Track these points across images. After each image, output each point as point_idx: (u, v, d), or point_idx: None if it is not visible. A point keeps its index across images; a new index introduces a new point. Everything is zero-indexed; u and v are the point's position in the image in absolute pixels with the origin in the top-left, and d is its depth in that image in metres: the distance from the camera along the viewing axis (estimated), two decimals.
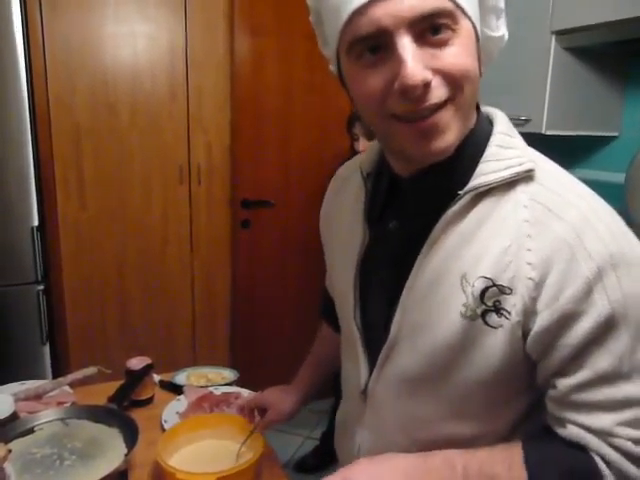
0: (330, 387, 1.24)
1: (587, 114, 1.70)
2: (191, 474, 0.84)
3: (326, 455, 2.21)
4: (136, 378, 1.16)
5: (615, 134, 1.77)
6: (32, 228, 1.97)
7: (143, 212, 2.34)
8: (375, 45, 0.55)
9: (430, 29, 0.54)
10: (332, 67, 0.68)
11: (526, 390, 0.66)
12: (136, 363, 1.19)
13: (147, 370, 1.19)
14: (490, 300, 0.60)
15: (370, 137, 1.87)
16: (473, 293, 0.60)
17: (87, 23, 2.11)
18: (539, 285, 0.57)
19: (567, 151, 1.88)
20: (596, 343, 0.57)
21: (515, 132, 0.67)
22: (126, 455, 0.88)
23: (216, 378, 1.35)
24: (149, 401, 1.21)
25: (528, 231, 0.59)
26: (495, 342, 0.60)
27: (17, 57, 1.87)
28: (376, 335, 0.71)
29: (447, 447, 0.64)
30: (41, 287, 2.04)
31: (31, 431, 0.94)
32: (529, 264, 0.58)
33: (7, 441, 0.89)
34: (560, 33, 1.56)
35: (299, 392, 1.01)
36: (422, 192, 0.67)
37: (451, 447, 0.64)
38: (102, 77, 2.17)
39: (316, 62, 2.25)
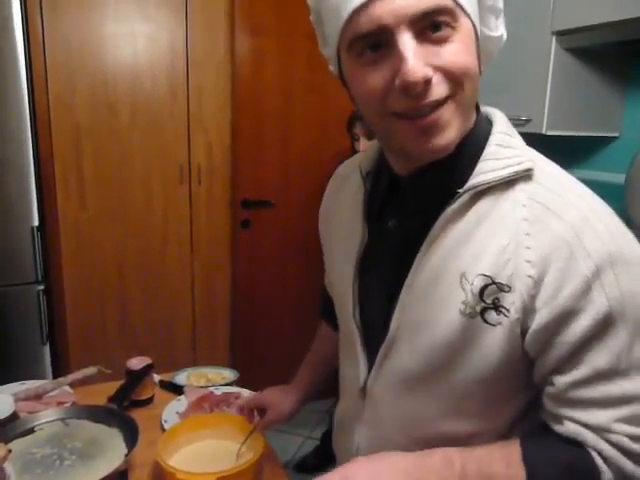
0: (331, 387, 1.23)
1: (587, 115, 1.70)
2: (191, 474, 0.84)
3: (327, 455, 2.21)
4: (136, 378, 1.16)
5: (615, 135, 1.77)
6: (32, 228, 1.97)
7: (143, 212, 2.34)
8: (376, 43, 0.56)
9: (430, 27, 0.55)
10: (332, 67, 0.68)
11: (524, 388, 0.66)
12: (136, 363, 1.19)
13: (147, 370, 1.19)
14: (489, 298, 0.60)
15: (370, 137, 1.87)
16: (472, 291, 0.61)
17: (87, 23, 2.11)
18: (538, 283, 0.58)
19: (567, 151, 1.88)
20: (594, 340, 0.57)
21: (514, 132, 0.67)
22: (126, 455, 0.88)
23: (216, 378, 1.35)
24: (149, 401, 1.21)
25: (527, 229, 0.59)
26: (494, 339, 0.61)
27: (17, 57, 1.87)
28: (375, 333, 0.71)
29: (446, 445, 0.64)
30: (41, 287, 2.04)
31: (31, 431, 0.94)
32: (528, 262, 0.58)
33: (7, 441, 0.89)
34: (561, 33, 1.57)
35: (299, 392, 1.01)
36: (421, 190, 0.67)
37: (450, 445, 0.64)
38: (102, 77, 2.17)
39: (316, 62, 2.25)
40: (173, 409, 1.15)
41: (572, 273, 0.56)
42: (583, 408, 0.59)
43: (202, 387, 1.27)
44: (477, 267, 0.61)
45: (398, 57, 0.54)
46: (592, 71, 1.66)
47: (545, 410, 0.63)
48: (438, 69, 0.55)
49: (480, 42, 0.60)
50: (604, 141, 1.80)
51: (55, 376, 2.01)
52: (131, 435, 0.92)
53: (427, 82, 0.55)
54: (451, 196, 0.62)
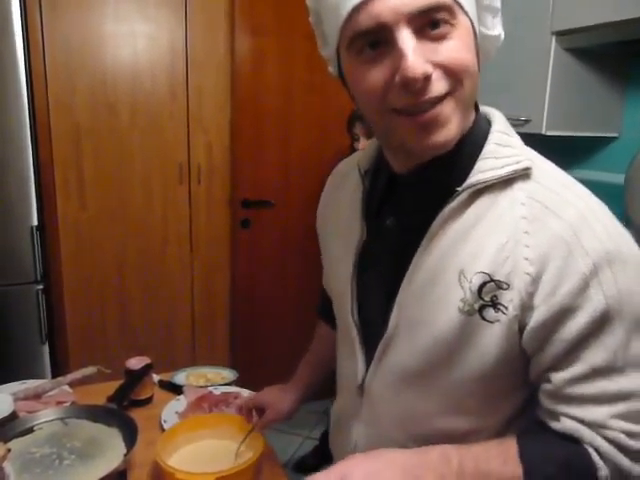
0: (330, 387, 1.23)
1: (587, 115, 1.70)
2: (190, 474, 0.84)
3: (325, 455, 2.20)
4: (135, 378, 1.16)
5: (615, 135, 1.77)
6: (32, 228, 1.97)
7: (143, 212, 2.34)
8: (375, 40, 0.56)
9: (429, 24, 0.55)
10: (331, 68, 0.68)
11: (522, 385, 0.67)
12: (135, 363, 1.19)
13: (146, 370, 1.19)
14: (487, 295, 0.61)
15: (370, 137, 1.87)
16: (471, 288, 0.61)
17: (87, 23, 2.11)
18: (536, 280, 0.58)
19: (567, 152, 1.88)
20: (591, 338, 0.58)
21: (512, 131, 0.67)
22: (125, 455, 0.88)
23: (215, 378, 1.35)
24: (148, 401, 1.21)
25: (526, 228, 0.60)
26: (492, 337, 0.61)
27: (17, 57, 1.87)
28: (373, 331, 0.71)
29: (444, 442, 0.64)
30: (41, 287, 2.03)
31: (30, 430, 0.94)
32: (526, 260, 0.59)
33: (6, 440, 0.89)
34: (560, 34, 1.57)
35: (297, 391, 1.01)
36: (420, 188, 0.68)
37: (448, 442, 0.64)
38: (102, 77, 2.17)
39: (316, 62, 2.24)
40: (172, 409, 1.15)
41: (570, 271, 0.57)
42: (580, 404, 0.60)
43: (201, 387, 1.27)
44: (475, 265, 0.61)
45: (398, 54, 0.55)
46: (592, 71, 1.66)
47: (541, 407, 0.64)
48: (438, 65, 0.56)
49: (478, 41, 0.61)
50: (604, 141, 1.81)
51: (54, 376, 2.01)
52: (130, 435, 0.92)
53: (427, 78, 0.55)
54: (450, 194, 0.63)
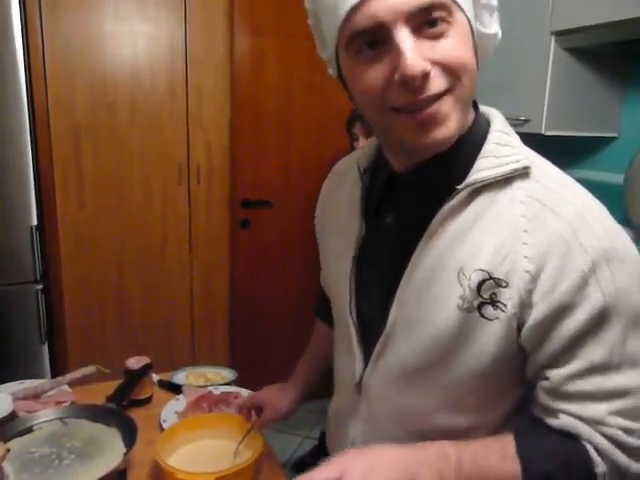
0: (329, 386, 1.23)
1: (587, 115, 1.70)
2: (190, 474, 0.84)
3: (325, 455, 2.20)
4: (135, 377, 1.16)
5: (615, 135, 1.77)
6: (31, 227, 1.97)
7: (142, 211, 2.33)
8: (373, 40, 0.57)
9: (426, 22, 0.56)
10: (331, 70, 0.69)
11: (520, 383, 0.67)
12: (135, 362, 1.19)
13: (146, 370, 1.19)
14: (486, 293, 0.61)
15: (369, 136, 1.87)
16: (470, 286, 0.62)
17: (87, 22, 2.11)
18: (535, 278, 0.59)
19: (566, 152, 1.88)
20: (589, 335, 0.58)
21: (512, 131, 0.68)
22: (125, 454, 0.88)
23: (215, 378, 1.35)
24: (148, 401, 1.21)
25: (525, 226, 0.60)
26: (491, 334, 0.62)
27: (16, 56, 1.87)
28: (372, 328, 0.71)
29: (442, 439, 0.64)
30: (40, 286, 2.03)
31: (30, 430, 0.94)
32: (525, 257, 0.59)
33: (6, 440, 0.89)
34: (560, 33, 1.57)
35: (296, 390, 1.01)
36: (419, 187, 0.68)
37: (446, 439, 0.64)
38: (101, 76, 2.17)
39: (316, 62, 2.23)
40: (172, 409, 1.15)
41: (569, 268, 0.58)
42: (578, 401, 0.60)
43: (201, 387, 1.27)
44: (475, 262, 0.62)
45: (396, 52, 0.55)
46: (591, 71, 1.66)
47: (538, 404, 0.64)
48: (436, 63, 0.56)
49: (475, 39, 0.61)
50: (603, 141, 1.81)
51: (54, 375, 2.01)
52: (130, 434, 0.92)
53: (425, 76, 0.55)
54: (449, 193, 0.63)
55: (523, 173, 0.63)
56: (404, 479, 0.59)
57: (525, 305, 0.60)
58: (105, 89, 2.18)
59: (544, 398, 0.63)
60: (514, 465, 0.60)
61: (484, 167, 0.63)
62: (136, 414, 1.03)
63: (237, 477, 0.85)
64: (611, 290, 0.58)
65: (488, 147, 0.64)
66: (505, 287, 0.60)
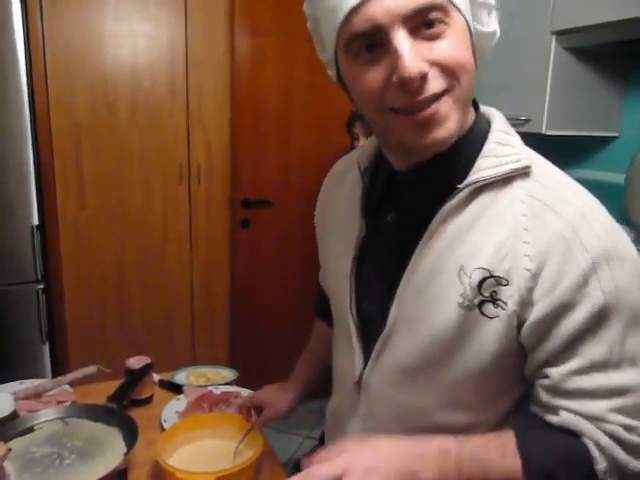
0: (330, 386, 1.24)
1: (587, 114, 1.70)
2: (191, 473, 0.84)
3: None
4: (136, 377, 1.16)
5: (615, 134, 1.77)
6: (32, 227, 1.97)
7: (143, 211, 2.34)
8: (371, 43, 0.57)
9: (423, 23, 0.56)
10: (331, 72, 0.69)
11: (519, 381, 0.67)
12: (135, 362, 1.19)
13: (147, 369, 1.19)
14: (487, 291, 0.62)
15: (370, 136, 1.87)
16: (470, 284, 0.62)
17: (87, 22, 2.11)
18: (535, 276, 0.59)
19: (567, 151, 1.88)
20: (589, 333, 0.59)
21: (512, 130, 0.68)
22: (126, 454, 0.88)
23: (215, 377, 1.35)
24: (148, 400, 1.21)
25: (526, 225, 0.61)
26: (491, 332, 0.62)
27: (17, 56, 1.87)
28: (372, 327, 0.72)
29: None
30: (41, 286, 2.03)
31: (31, 430, 0.94)
32: (526, 256, 0.60)
33: (7, 440, 0.89)
34: (560, 33, 1.57)
35: (296, 390, 1.02)
36: (419, 186, 0.69)
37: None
38: (102, 76, 2.17)
39: (316, 62, 2.22)
40: (172, 408, 1.15)
41: (569, 267, 0.58)
42: (579, 398, 0.60)
43: (201, 386, 1.27)
44: (475, 261, 0.62)
45: (394, 54, 0.55)
46: (592, 71, 1.66)
47: (538, 402, 0.64)
48: (434, 64, 0.57)
49: (473, 38, 0.61)
50: (604, 141, 1.81)
51: (55, 375, 2.01)
52: (130, 434, 0.92)
53: (423, 77, 0.56)
54: (449, 192, 0.64)
55: (523, 173, 0.63)
56: (405, 474, 0.58)
57: (525, 303, 0.60)
58: (105, 89, 2.18)
59: (544, 395, 0.63)
60: (515, 461, 0.60)
61: (485, 166, 0.63)
62: (137, 414, 1.03)
63: (238, 477, 0.85)
64: (611, 289, 0.58)
65: (489, 147, 0.64)
66: (506, 285, 0.61)
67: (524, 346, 0.63)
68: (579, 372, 0.60)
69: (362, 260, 0.74)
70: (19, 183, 1.93)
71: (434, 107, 0.58)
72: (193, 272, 2.48)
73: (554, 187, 0.63)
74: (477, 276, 0.62)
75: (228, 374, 1.37)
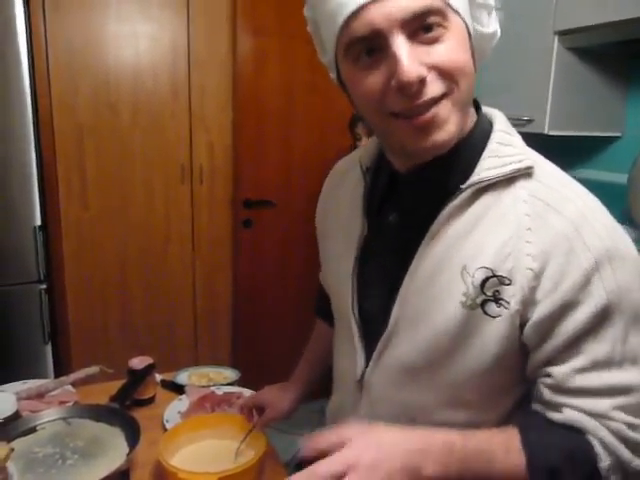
0: (330, 386, 1.24)
1: (590, 114, 1.70)
2: (193, 474, 0.84)
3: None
4: (138, 377, 1.17)
5: (618, 134, 1.77)
6: (34, 228, 1.97)
7: (145, 211, 2.34)
8: (371, 47, 0.58)
9: (422, 28, 0.56)
10: (332, 75, 0.70)
11: (521, 381, 0.68)
12: (138, 362, 1.19)
13: (149, 370, 1.19)
14: (490, 290, 0.62)
15: (372, 136, 1.87)
16: (473, 283, 0.62)
17: (89, 24, 2.11)
18: (538, 275, 0.60)
19: (570, 151, 1.87)
20: (592, 332, 0.59)
21: (514, 131, 0.69)
22: (128, 454, 0.88)
23: (218, 378, 1.35)
24: (151, 401, 1.21)
25: (528, 224, 0.61)
26: (493, 331, 0.62)
27: (20, 57, 1.88)
28: (374, 326, 0.72)
29: None
30: (43, 286, 2.04)
31: (33, 430, 0.94)
32: (529, 255, 0.60)
33: (9, 440, 0.89)
34: (563, 33, 1.56)
35: (297, 390, 1.02)
36: (421, 187, 0.69)
37: None
38: (104, 77, 2.17)
39: (318, 64, 2.22)
40: (175, 409, 1.15)
41: (572, 267, 0.59)
42: (582, 396, 0.61)
43: (204, 387, 1.27)
44: (478, 260, 0.62)
45: (393, 59, 0.56)
46: (594, 71, 1.66)
47: (541, 400, 0.64)
48: (432, 68, 0.57)
49: (473, 40, 0.62)
50: (606, 141, 1.80)
51: (57, 375, 2.01)
52: (133, 434, 0.92)
53: (422, 81, 0.56)
54: (451, 192, 0.64)
55: (526, 173, 0.64)
56: (409, 469, 0.58)
57: (528, 302, 0.60)
58: (108, 90, 2.18)
59: (547, 393, 0.63)
60: (519, 457, 0.60)
61: (487, 167, 0.63)
62: (139, 414, 1.03)
63: (240, 477, 0.85)
64: (613, 288, 0.59)
65: (491, 147, 0.65)
66: (508, 285, 0.61)
67: (526, 345, 0.63)
68: (582, 371, 0.60)
69: (364, 260, 0.75)
70: (22, 184, 1.94)
71: (433, 111, 0.58)
72: (195, 272, 2.48)
73: (556, 187, 0.63)
74: (480, 275, 0.62)
75: (230, 374, 1.37)
